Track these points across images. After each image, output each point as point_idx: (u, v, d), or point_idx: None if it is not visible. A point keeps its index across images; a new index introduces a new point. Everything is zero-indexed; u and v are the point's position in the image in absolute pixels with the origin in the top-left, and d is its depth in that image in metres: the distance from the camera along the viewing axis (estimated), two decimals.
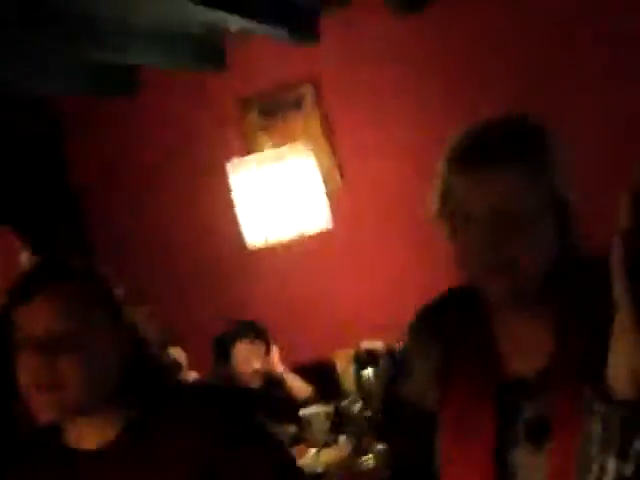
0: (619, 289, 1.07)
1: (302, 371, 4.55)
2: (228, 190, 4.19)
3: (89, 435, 1.70)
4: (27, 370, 1.62)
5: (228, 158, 4.26)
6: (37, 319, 1.62)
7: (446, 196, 1.58)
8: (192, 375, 3.94)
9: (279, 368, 4.48)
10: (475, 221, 1.51)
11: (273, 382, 4.45)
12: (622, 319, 1.08)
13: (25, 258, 4.70)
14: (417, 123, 4.63)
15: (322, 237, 4.41)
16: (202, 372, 4.26)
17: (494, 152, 1.51)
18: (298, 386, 4.49)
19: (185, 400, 1.74)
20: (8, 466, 1.78)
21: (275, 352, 4.46)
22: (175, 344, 3.97)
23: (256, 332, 4.40)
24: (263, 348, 4.40)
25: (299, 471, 1.83)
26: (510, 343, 1.62)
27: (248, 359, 4.35)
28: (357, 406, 4.06)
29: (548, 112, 1.63)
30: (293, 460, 1.82)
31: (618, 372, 1.10)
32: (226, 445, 1.65)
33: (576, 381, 1.46)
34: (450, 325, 1.70)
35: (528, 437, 1.56)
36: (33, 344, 1.61)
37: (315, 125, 4.88)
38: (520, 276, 1.51)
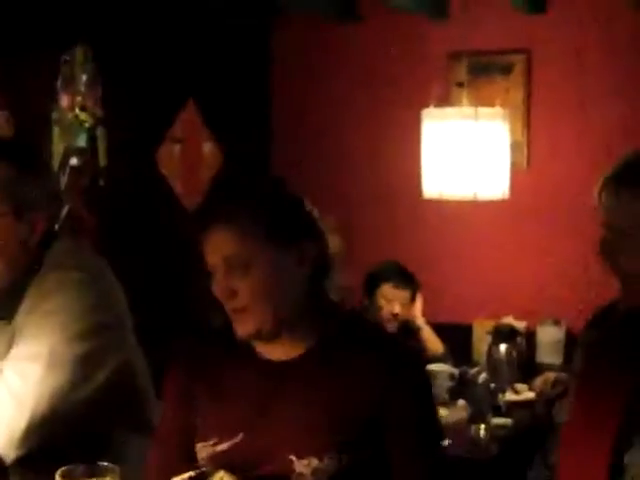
0: None
1: (440, 329, 4.58)
2: (418, 136, 4.23)
3: (275, 351, 1.80)
4: (217, 295, 1.73)
5: (426, 106, 4.29)
6: (214, 248, 1.71)
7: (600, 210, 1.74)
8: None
9: (419, 319, 4.52)
10: (618, 233, 1.69)
11: (409, 330, 4.51)
12: None
13: (209, 148, 4.93)
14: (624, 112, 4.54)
15: (495, 205, 4.41)
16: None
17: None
18: (433, 341, 4.53)
19: (365, 337, 1.81)
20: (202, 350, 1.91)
21: (419, 302, 4.51)
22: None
23: (404, 277, 4.45)
24: (407, 295, 4.44)
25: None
26: None
27: (390, 302, 4.41)
28: (483, 376, 4.09)
29: None
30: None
31: None
32: (394, 393, 1.71)
33: None
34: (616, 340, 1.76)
35: None
36: (214, 272, 1.72)
37: (518, 95, 4.85)
38: None
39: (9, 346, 2.14)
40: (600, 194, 1.72)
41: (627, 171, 1.71)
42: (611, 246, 1.70)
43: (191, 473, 1.61)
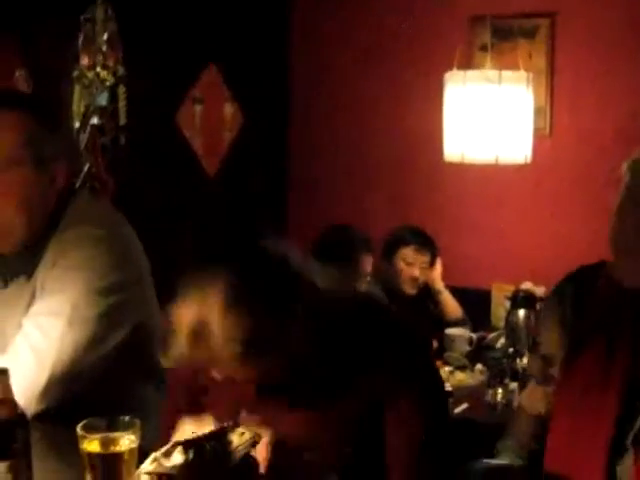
0: None
1: (458, 293, 4.57)
2: (440, 99, 4.20)
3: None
4: None
5: (449, 69, 4.26)
6: None
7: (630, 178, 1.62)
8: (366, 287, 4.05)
9: (439, 283, 4.52)
10: None
11: (429, 294, 4.51)
12: None
13: (230, 110, 4.92)
14: None
15: (517, 170, 4.39)
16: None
17: None
18: (452, 305, 4.53)
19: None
20: None
21: (438, 266, 4.50)
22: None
23: (424, 241, 4.44)
24: (427, 258, 4.43)
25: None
26: None
27: (410, 265, 4.41)
28: (501, 341, 4.09)
29: None
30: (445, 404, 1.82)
31: None
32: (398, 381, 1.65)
33: None
34: (595, 299, 1.69)
35: (634, 448, 1.57)
36: None
37: (542, 60, 4.81)
38: None
39: (30, 302, 2.15)
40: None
41: None
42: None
43: (213, 428, 1.62)
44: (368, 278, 4.08)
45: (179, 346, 1.60)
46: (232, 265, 1.63)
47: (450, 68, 4.23)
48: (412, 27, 5.06)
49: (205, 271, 1.64)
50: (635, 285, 1.59)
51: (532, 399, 1.79)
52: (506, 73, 4.07)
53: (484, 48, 4.86)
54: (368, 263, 4.06)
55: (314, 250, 4.04)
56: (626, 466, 1.56)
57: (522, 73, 4.14)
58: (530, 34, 4.86)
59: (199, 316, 1.56)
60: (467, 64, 4.69)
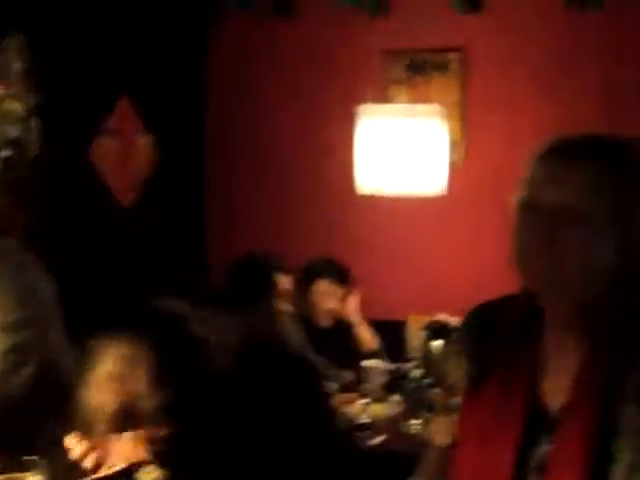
0: None
1: (375, 325, 4.59)
2: (354, 133, 4.23)
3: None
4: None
5: (363, 102, 4.29)
6: None
7: (525, 186, 1.60)
8: (287, 307, 4.03)
9: (355, 315, 4.53)
10: (538, 213, 1.54)
11: (344, 326, 4.51)
12: None
13: (144, 142, 4.88)
14: (558, 110, 4.61)
15: (433, 201, 4.44)
16: None
17: (573, 150, 1.55)
18: (367, 337, 4.54)
19: None
20: None
21: (355, 298, 4.51)
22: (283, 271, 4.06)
23: (340, 273, 4.45)
24: (343, 291, 4.44)
25: None
26: (549, 368, 1.61)
27: (325, 297, 4.41)
28: (418, 372, 4.11)
29: None
30: None
31: None
32: None
33: (586, 425, 1.49)
34: (501, 335, 1.67)
35: (537, 475, 1.55)
36: None
37: (455, 93, 4.89)
38: (564, 270, 1.50)
39: None
40: (529, 174, 1.60)
41: (558, 144, 1.59)
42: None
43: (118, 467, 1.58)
44: (286, 299, 4.05)
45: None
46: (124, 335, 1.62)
47: (364, 102, 4.27)
48: (327, 61, 5.10)
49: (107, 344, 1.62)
50: (539, 293, 1.61)
51: (437, 430, 1.80)
52: (420, 107, 4.13)
53: (398, 82, 4.93)
54: (286, 282, 4.05)
55: (231, 279, 4.03)
56: None
57: (435, 107, 4.20)
58: (443, 68, 4.94)
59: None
60: (381, 98, 4.74)
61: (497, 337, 1.68)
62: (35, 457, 1.59)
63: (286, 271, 4.07)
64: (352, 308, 4.51)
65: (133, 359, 1.56)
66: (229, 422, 1.51)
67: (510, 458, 1.57)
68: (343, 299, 4.45)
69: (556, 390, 1.58)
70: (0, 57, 4.03)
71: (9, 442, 1.82)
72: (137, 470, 1.56)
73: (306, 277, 4.43)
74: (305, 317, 4.38)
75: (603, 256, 1.52)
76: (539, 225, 1.53)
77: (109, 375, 1.57)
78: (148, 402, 1.53)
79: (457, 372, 1.74)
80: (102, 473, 1.57)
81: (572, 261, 1.51)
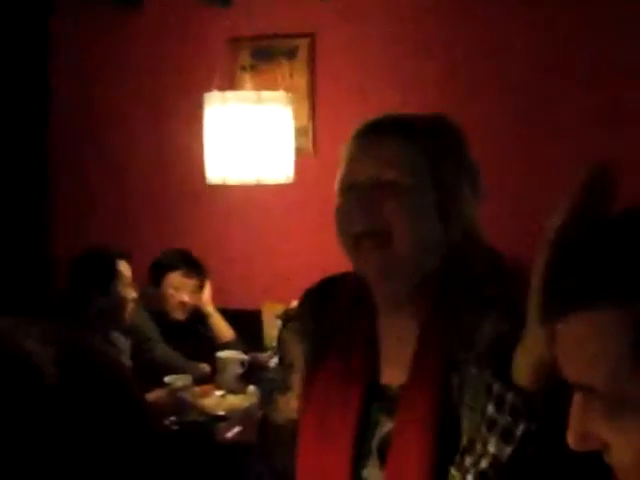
0: (535, 285, 1.08)
1: (229, 315, 4.55)
2: (201, 122, 4.17)
3: None
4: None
5: (209, 90, 4.23)
6: None
7: (342, 169, 1.62)
8: (132, 294, 3.94)
9: (209, 306, 4.48)
10: (356, 189, 1.56)
11: (199, 318, 4.46)
12: (532, 318, 1.11)
13: None
14: (404, 95, 4.64)
15: (281, 190, 4.42)
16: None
17: (382, 127, 1.58)
18: (222, 328, 4.49)
19: None
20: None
21: (208, 289, 4.46)
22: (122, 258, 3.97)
23: (192, 265, 4.40)
24: (196, 282, 4.39)
25: None
26: (386, 347, 1.61)
27: (178, 290, 4.35)
28: (273, 361, 4.08)
29: None
30: None
31: (521, 363, 1.15)
32: None
33: (427, 401, 1.50)
34: (335, 311, 1.68)
35: (378, 454, 1.56)
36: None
37: (304, 80, 4.87)
38: (393, 248, 1.51)
39: None
40: (344, 159, 1.61)
41: (377, 123, 1.61)
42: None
43: None
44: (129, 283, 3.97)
45: None
46: None
47: (210, 89, 4.21)
48: (172, 51, 5.02)
49: None
50: (365, 275, 1.59)
51: (276, 408, 1.77)
52: (265, 93, 4.07)
53: (244, 69, 4.88)
54: (126, 269, 3.96)
55: (72, 274, 3.93)
56: (371, 471, 1.56)
57: (281, 93, 4.16)
58: (291, 54, 4.92)
59: None
60: (228, 85, 4.68)
61: (332, 315, 1.66)
62: None
63: (129, 259, 3.99)
64: (206, 299, 4.46)
65: None
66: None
67: (349, 438, 1.55)
68: (197, 291, 4.40)
69: (396, 368, 1.58)
70: None
71: None
72: None
73: (158, 270, 4.36)
74: (158, 310, 4.31)
75: (428, 224, 1.53)
76: (359, 201, 1.54)
77: None
78: None
79: (295, 351, 1.72)
80: None
81: (400, 236, 1.51)
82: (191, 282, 4.38)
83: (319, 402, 1.61)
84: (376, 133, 1.58)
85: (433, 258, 1.54)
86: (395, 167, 1.53)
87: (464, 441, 1.42)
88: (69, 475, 1.40)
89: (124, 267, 3.94)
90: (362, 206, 1.53)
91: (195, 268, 4.40)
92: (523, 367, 1.22)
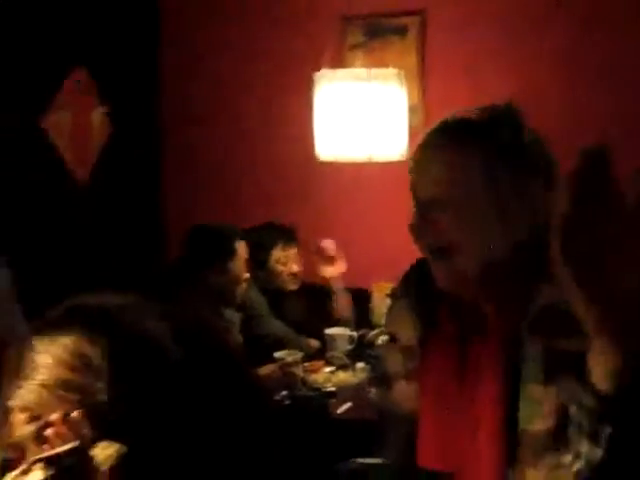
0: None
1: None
2: (311, 100, 4.18)
3: None
4: None
5: (320, 68, 4.24)
6: None
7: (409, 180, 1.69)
8: (246, 274, 4.00)
9: (338, 283, 4.49)
10: (418, 206, 1.65)
11: (323, 293, 4.48)
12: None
13: (98, 115, 4.79)
14: (517, 74, 4.57)
15: (393, 167, 4.40)
16: None
17: (436, 140, 1.66)
18: (344, 306, 4.49)
19: None
20: None
21: (341, 266, 4.46)
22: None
23: (286, 235, 4.43)
24: (294, 250, 4.41)
25: None
26: None
27: (285, 264, 4.38)
28: (382, 339, 4.08)
29: None
30: None
31: (595, 370, 1.13)
32: None
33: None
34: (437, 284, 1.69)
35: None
36: None
37: (414, 57, 4.84)
38: (456, 260, 1.57)
39: None
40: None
41: (430, 135, 1.67)
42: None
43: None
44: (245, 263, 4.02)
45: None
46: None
47: (322, 68, 4.22)
48: (283, 28, 5.04)
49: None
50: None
51: (402, 397, 1.78)
52: (376, 71, 4.07)
53: (355, 47, 4.88)
54: (243, 249, 4.01)
55: (190, 250, 3.99)
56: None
57: (392, 70, 4.15)
58: (401, 32, 4.89)
59: None
60: (338, 64, 4.69)
61: (437, 290, 1.68)
62: None
63: (244, 238, 4.04)
64: (337, 276, 4.47)
65: (77, 361, 1.50)
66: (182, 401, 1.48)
67: (495, 414, 1.55)
68: (297, 258, 4.41)
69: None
70: None
71: None
72: (90, 447, 1.52)
73: (260, 252, 4.35)
74: (270, 285, 4.35)
75: (485, 229, 1.58)
76: (420, 220, 1.64)
77: (59, 383, 1.50)
78: (105, 407, 1.47)
79: (407, 333, 1.73)
80: (51, 451, 1.52)
81: (459, 249, 1.58)
82: (292, 251, 4.41)
83: (437, 382, 1.62)
84: (427, 150, 1.64)
85: (496, 256, 1.57)
86: (445, 183, 1.59)
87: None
88: (195, 445, 1.44)
89: (241, 247, 3.99)
90: (422, 225, 1.63)
91: (289, 235, 4.42)
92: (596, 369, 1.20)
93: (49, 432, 1.43)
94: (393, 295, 2.12)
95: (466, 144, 1.59)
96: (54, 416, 1.43)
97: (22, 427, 1.44)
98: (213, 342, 1.71)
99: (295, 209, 4.95)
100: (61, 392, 1.45)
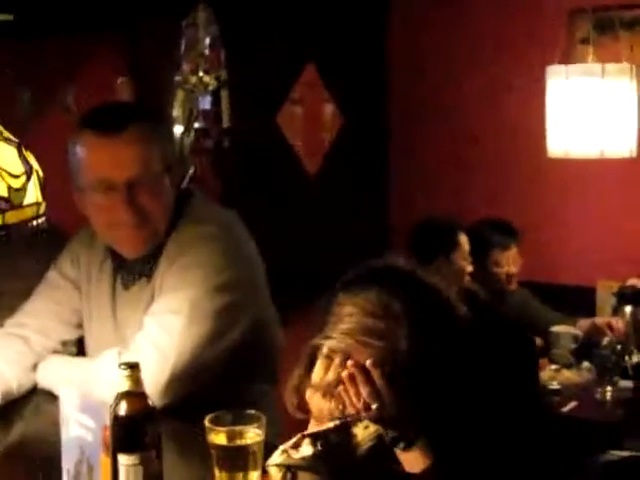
0: None
1: (561, 290, 4.51)
2: (541, 94, 4.15)
3: None
4: None
5: (549, 63, 4.21)
6: None
7: None
8: (469, 267, 4.04)
9: None
10: None
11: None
12: None
13: (329, 109, 4.94)
14: None
15: (622, 164, 4.31)
16: None
17: None
18: None
19: None
20: None
21: None
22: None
23: (507, 234, 4.35)
24: (515, 250, 4.33)
25: None
26: None
27: (504, 266, 4.34)
28: (607, 338, 4.02)
29: None
30: None
31: None
32: None
33: None
34: None
35: None
36: None
37: None
38: None
39: (150, 301, 2.20)
40: None
41: None
42: None
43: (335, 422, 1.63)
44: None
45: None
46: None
47: (551, 63, 4.18)
48: (511, 23, 5.02)
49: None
50: None
51: None
52: (609, 66, 3.99)
53: (585, 41, 4.79)
54: (465, 242, 4.04)
55: (415, 239, 4.06)
56: None
57: (625, 65, 4.06)
58: (631, 25, 4.78)
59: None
60: (568, 58, 4.62)
61: None
62: (254, 411, 1.64)
63: (463, 230, 4.07)
64: None
65: (379, 310, 1.59)
66: (468, 377, 1.54)
67: None
68: (517, 257, 4.36)
69: None
70: (190, 30, 4.18)
71: (222, 399, 1.88)
72: (353, 425, 1.60)
73: (478, 249, 4.32)
74: (489, 286, 4.34)
75: None
76: None
77: (362, 329, 1.59)
78: (403, 356, 1.56)
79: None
80: (319, 428, 1.61)
81: None
82: (511, 252, 4.35)
83: None
84: None
85: None
86: None
87: None
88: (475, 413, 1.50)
89: (464, 240, 4.02)
90: None
91: (510, 235, 4.35)
92: None
93: (344, 375, 1.54)
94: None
95: None
96: (350, 362, 1.53)
97: (329, 372, 1.56)
98: (499, 315, 1.79)
99: (522, 204, 4.91)
100: (365, 338, 1.56)
